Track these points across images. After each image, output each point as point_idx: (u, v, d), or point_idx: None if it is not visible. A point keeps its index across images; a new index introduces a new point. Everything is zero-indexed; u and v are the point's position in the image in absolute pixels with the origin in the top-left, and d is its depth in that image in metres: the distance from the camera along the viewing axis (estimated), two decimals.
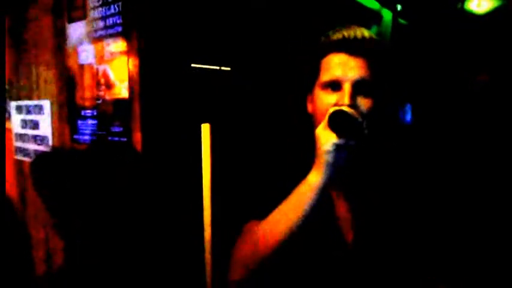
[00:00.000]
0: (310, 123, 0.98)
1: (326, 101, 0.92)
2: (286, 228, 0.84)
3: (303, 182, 0.86)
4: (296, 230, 0.84)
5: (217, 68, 1.81)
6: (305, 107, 1.04)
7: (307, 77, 1.01)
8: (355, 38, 0.92)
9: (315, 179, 0.84)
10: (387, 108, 1.02)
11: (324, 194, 0.85)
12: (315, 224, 0.86)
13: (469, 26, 3.38)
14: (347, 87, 0.89)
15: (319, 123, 0.88)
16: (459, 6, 3.41)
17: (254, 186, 1.04)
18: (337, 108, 0.85)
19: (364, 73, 0.90)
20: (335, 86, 0.92)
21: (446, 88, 3.39)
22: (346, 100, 0.88)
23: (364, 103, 0.90)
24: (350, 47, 0.92)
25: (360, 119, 0.83)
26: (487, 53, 3.27)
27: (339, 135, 0.82)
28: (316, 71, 0.97)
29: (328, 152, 0.82)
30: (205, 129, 1.45)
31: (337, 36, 0.94)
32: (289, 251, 0.85)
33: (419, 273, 0.97)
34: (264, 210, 0.91)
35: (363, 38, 0.92)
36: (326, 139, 0.83)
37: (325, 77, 0.94)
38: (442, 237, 1.01)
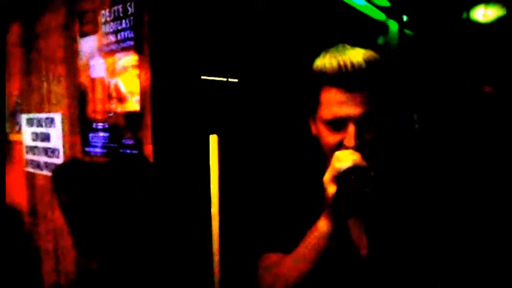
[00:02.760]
0: (317, 142, 0.98)
1: (331, 140, 0.90)
2: (303, 269, 0.86)
3: (314, 228, 0.86)
4: (314, 267, 0.86)
5: (225, 79, 1.83)
6: (309, 127, 1.02)
7: (307, 103, 0.97)
8: (353, 70, 0.85)
9: (324, 227, 0.84)
10: (391, 123, 1.01)
11: (334, 237, 0.85)
12: None
13: (474, 35, 3.39)
14: (351, 128, 0.86)
15: (325, 151, 0.91)
16: (465, 16, 3.43)
17: (266, 210, 1.04)
18: (344, 168, 0.80)
19: (365, 108, 0.86)
20: (337, 124, 0.88)
21: (452, 97, 3.39)
22: (352, 143, 0.85)
23: (369, 137, 0.87)
24: (348, 82, 0.86)
25: (369, 172, 0.80)
26: (493, 63, 3.27)
27: (347, 194, 0.80)
28: (315, 102, 0.93)
29: (334, 206, 0.81)
30: (213, 140, 1.46)
31: (333, 66, 0.87)
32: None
33: (432, 283, 0.97)
34: (280, 242, 0.95)
35: (360, 69, 0.85)
36: (333, 191, 0.80)
37: (325, 114, 0.90)
38: (455, 247, 1.01)
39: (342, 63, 0.86)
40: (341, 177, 0.79)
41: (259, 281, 0.98)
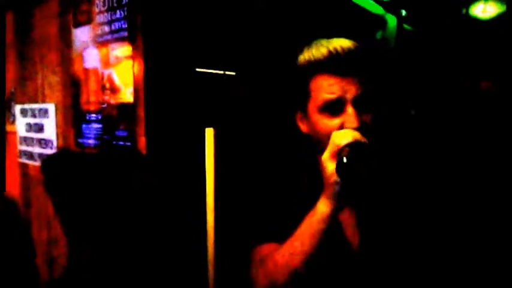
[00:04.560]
0: (307, 140, 0.97)
1: (330, 126, 0.87)
2: (303, 255, 0.83)
3: (313, 211, 0.84)
4: (312, 254, 0.83)
5: (222, 72, 1.82)
6: (296, 125, 1.00)
7: (296, 98, 0.96)
8: (344, 54, 0.85)
9: (324, 209, 0.82)
10: (387, 114, 1.00)
11: (334, 220, 0.83)
12: None
13: (473, 31, 3.38)
14: (350, 109, 0.85)
15: (321, 145, 0.86)
16: (464, 11, 3.41)
17: (259, 203, 1.02)
18: (344, 155, 0.77)
19: (360, 89, 0.85)
20: (333, 108, 0.86)
21: (450, 94, 3.38)
22: (354, 123, 0.83)
23: (366, 119, 0.86)
24: (341, 67, 0.85)
25: (370, 148, 0.78)
26: (492, 59, 3.26)
27: (348, 177, 0.77)
28: (305, 92, 0.91)
29: (335, 183, 0.79)
30: (209, 133, 1.45)
31: (323, 53, 0.86)
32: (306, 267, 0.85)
33: (425, 277, 0.97)
34: (274, 233, 0.91)
35: (351, 53, 0.86)
36: (332, 170, 0.78)
37: (320, 100, 0.88)
38: (448, 241, 1.00)
39: (332, 49, 0.85)
40: (341, 152, 0.77)
41: (253, 275, 0.94)
